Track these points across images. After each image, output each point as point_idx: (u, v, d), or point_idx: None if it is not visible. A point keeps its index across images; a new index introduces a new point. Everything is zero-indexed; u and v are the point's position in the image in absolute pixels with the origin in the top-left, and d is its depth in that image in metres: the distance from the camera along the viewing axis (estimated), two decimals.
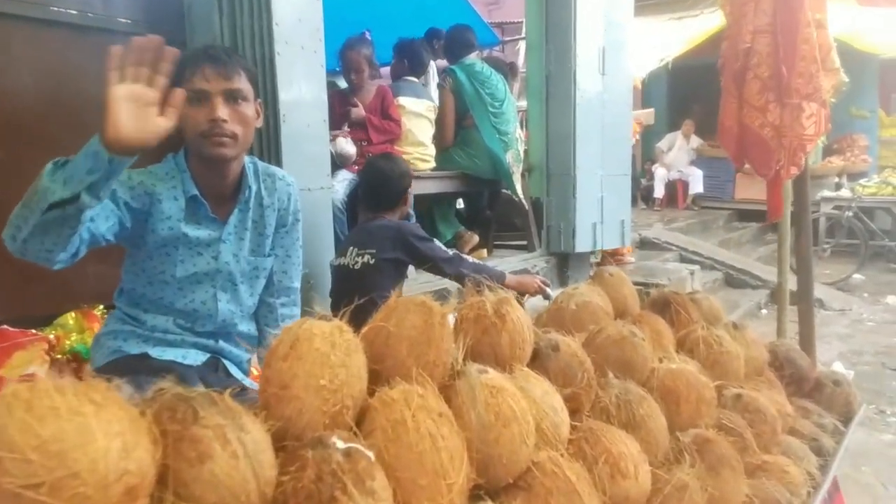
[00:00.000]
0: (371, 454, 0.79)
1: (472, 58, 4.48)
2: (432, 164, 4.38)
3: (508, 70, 5.29)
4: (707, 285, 7.14)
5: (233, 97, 1.85)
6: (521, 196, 4.64)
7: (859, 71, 10.98)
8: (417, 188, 4.36)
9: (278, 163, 2.73)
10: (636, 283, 5.17)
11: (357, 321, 2.54)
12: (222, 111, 1.82)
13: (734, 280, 7.39)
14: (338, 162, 3.99)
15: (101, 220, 1.69)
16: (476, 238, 4.72)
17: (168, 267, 1.91)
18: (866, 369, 5.36)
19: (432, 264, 2.79)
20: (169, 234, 1.87)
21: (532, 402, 1.00)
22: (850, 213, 8.26)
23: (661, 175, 10.29)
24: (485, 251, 4.78)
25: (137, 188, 1.82)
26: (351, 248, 2.75)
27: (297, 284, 2.19)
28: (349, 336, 0.96)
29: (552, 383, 1.14)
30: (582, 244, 5.05)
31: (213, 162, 1.90)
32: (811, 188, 9.85)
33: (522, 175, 5.03)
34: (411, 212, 4.02)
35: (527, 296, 2.98)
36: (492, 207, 5.20)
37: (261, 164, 2.09)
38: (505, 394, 0.94)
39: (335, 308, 2.85)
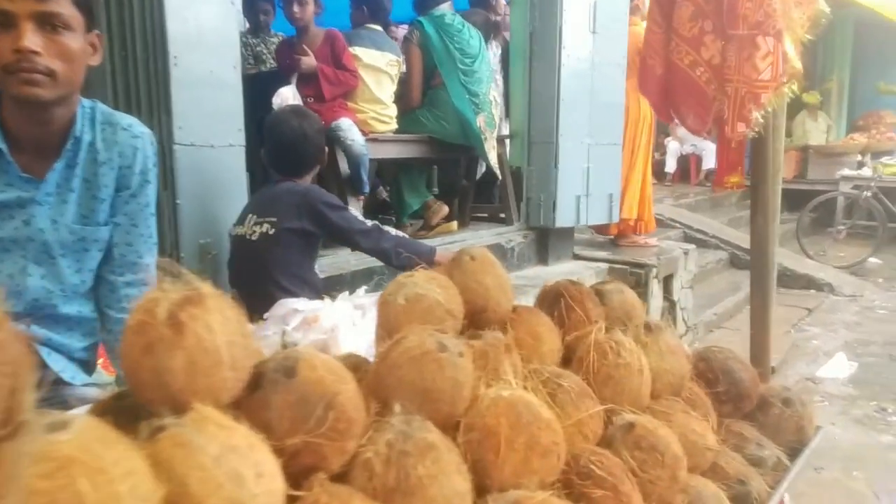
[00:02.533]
0: None
1: (444, 8, 3.95)
2: (393, 126, 3.90)
3: (492, 27, 4.76)
4: (710, 265, 6.60)
5: (48, 23, 1.44)
6: (494, 164, 4.15)
7: (890, 44, 10.15)
8: (377, 152, 3.91)
9: (167, 115, 2.30)
10: (615, 264, 4.65)
11: (255, 300, 2.12)
12: (31, 40, 1.41)
13: (740, 261, 6.82)
14: None
15: None
16: (445, 209, 4.26)
17: None
18: (872, 361, 4.83)
19: (346, 237, 2.37)
20: None
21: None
22: (869, 193, 7.58)
23: (673, 149, 9.67)
24: (454, 224, 4.33)
25: None
26: (250, 215, 2.33)
27: (149, 260, 1.77)
28: None
29: (276, 428, 0.72)
30: (563, 219, 4.55)
31: (23, 105, 1.50)
32: (831, 166, 9.16)
33: (501, 141, 4.54)
34: (364, 178, 3.58)
35: None
36: (468, 177, 4.73)
37: (102, 111, 1.67)
38: (71, 473, 0.52)
39: (233, 285, 2.46)
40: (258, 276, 2.27)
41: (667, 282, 4.77)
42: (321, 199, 2.31)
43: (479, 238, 4.34)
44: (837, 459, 3.47)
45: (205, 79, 2.41)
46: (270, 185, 2.44)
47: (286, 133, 2.36)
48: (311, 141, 2.39)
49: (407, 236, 2.52)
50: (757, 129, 1.55)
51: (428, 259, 2.50)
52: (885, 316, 5.93)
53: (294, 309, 1.76)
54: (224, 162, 2.52)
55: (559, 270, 4.50)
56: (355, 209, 3.67)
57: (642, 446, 1.08)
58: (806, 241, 7.78)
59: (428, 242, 4.15)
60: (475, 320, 1.14)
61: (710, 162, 9.53)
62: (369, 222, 2.41)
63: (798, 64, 1.53)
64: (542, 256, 4.66)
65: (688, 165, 9.89)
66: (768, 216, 1.76)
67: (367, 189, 3.72)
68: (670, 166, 9.71)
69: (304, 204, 2.29)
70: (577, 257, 4.85)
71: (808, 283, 6.66)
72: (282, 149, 2.39)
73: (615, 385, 1.16)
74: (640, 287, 4.52)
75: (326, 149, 2.48)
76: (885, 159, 8.51)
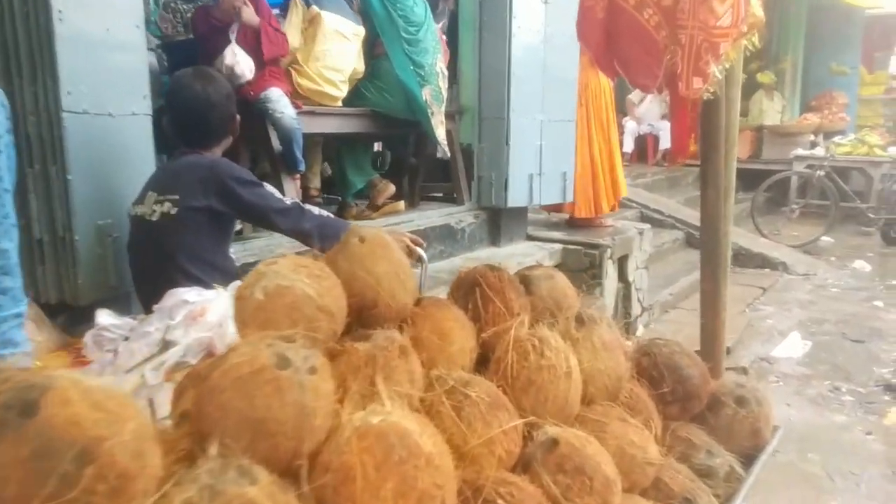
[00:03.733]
0: None
1: None
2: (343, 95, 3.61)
3: None
4: (666, 245, 6.48)
5: None
6: (443, 141, 3.89)
7: (843, 26, 10.13)
8: (316, 127, 3.62)
9: (52, 78, 1.98)
10: (569, 244, 4.46)
11: (159, 289, 1.83)
12: None
13: (696, 240, 6.71)
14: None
15: None
16: (392, 188, 4.00)
17: None
18: (825, 340, 4.75)
19: (261, 216, 2.09)
20: None
21: None
22: (822, 173, 7.54)
23: (630, 128, 9.52)
24: (402, 203, 4.06)
25: None
26: (150, 192, 2.03)
27: (6, 245, 1.48)
28: None
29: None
30: (516, 198, 4.32)
31: None
32: (785, 146, 9.17)
33: (451, 117, 4.28)
34: (297, 155, 3.29)
35: None
36: (418, 154, 4.46)
37: None
38: None
39: (134, 272, 2.16)
40: (160, 262, 1.99)
41: (622, 262, 4.60)
42: (230, 174, 2.03)
43: (427, 219, 4.09)
44: (793, 441, 3.36)
45: (99, 38, 2.10)
46: (173, 159, 2.15)
47: (189, 99, 2.06)
48: (218, 108, 2.09)
49: (332, 215, 2.25)
50: (713, 90, 1.33)
51: None
52: (837, 294, 5.89)
53: (183, 300, 1.50)
54: (126, 133, 2.21)
55: (511, 252, 4.29)
56: (290, 189, 3.39)
57: (566, 469, 0.86)
58: (761, 220, 7.73)
59: (373, 224, 3.91)
60: (365, 317, 0.91)
61: (666, 142, 9.42)
62: (289, 200, 2.14)
63: (760, 11, 1.31)
64: (494, 237, 4.44)
65: (645, 145, 9.77)
66: (720, 189, 1.55)
67: (302, 167, 3.42)
68: (628, 146, 9.56)
69: (211, 179, 2.00)
70: (530, 238, 4.64)
71: (763, 261, 6.60)
72: (184, 116, 2.09)
73: (537, 392, 0.93)
74: (595, 268, 4.34)
75: (238, 117, 2.18)
76: (837, 139, 8.50)
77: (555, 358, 0.95)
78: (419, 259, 2.34)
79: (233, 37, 3.16)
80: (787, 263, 6.52)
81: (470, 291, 1.08)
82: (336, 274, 0.88)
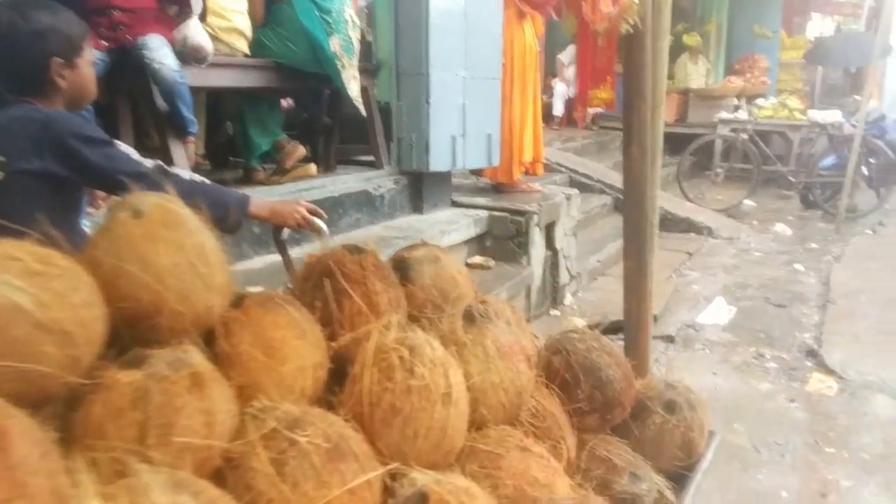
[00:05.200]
0: None
1: None
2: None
3: None
4: (594, 210, 6.34)
5: None
6: (356, 98, 3.54)
7: None
8: (214, 80, 3.19)
9: None
10: (495, 211, 4.22)
11: None
12: None
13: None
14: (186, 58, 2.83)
15: None
16: (301, 150, 3.62)
17: None
18: (749, 305, 4.73)
19: (112, 182, 1.72)
20: None
21: None
22: (745, 136, 7.57)
23: (560, 91, 9.32)
24: (313, 167, 3.70)
25: None
26: None
27: None
28: None
29: None
30: (438, 162, 4.02)
31: None
32: (710, 109, 9.18)
33: (368, 73, 3.92)
34: (185, 114, 2.89)
35: (286, 231, 1.97)
36: (332, 113, 4.09)
37: None
38: None
39: None
40: None
41: (549, 229, 4.41)
42: (71, 130, 1.64)
43: (342, 184, 3.75)
44: (718, 412, 3.26)
45: None
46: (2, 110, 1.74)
47: None
48: (21, 44, 1.67)
49: (207, 181, 1.90)
50: (633, 22, 1.08)
51: (237, 211, 1.91)
52: (760, 258, 5.92)
53: None
54: None
55: (435, 219, 4.02)
56: (180, 157, 2.98)
57: None
58: (686, 184, 7.72)
59: (281, 189, 3.55)
60: (142, 330, 0.61)
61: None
62: (149, 162, 1.77)
63: None
64: (417, 204, 4.14)
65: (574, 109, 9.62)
66: (646, 147, 1.31)
67: (194, 128, 3.01)
68: (558, 109, 9.39)
69: (45, 137, 1.61)
70: (455, 204, 4.38)
71: (689, 226, 6.58)
72: None
73: (404, 424, 0.66)
74: (522, 235, 4.13)
75: (60, 60, 1.75)
76: (759, 102, 8.56)
77: (429, 375, 0.68)
78: (318, 231, 2.04)
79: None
80: (712, 228, 6.52)
81: (320, 284, 0.79)
82: (95, 268, 0.58)
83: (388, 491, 0.64)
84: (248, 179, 3.57)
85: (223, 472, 0.56)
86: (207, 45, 2.83)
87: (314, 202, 3.35)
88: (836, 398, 3.47)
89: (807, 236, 6.64)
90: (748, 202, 7.56)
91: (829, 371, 3.71)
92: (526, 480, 0.74)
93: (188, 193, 1.79)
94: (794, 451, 2.99)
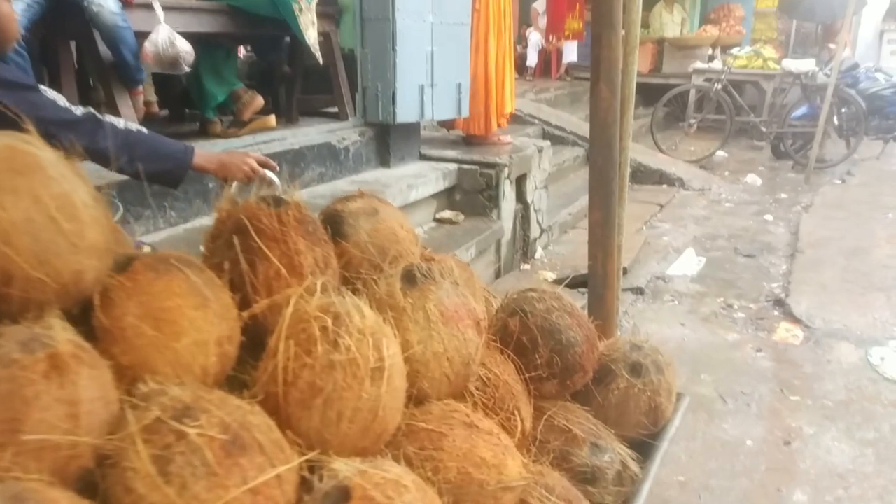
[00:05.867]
0: None
1: None
2: None
3: None
4: (566, 163, 6.23)
5: None
6: (314, 45, 3.34)
7: None
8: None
9: None
10: (464, 164, 4.09)
11: None
12: None
13: None
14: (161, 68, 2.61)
15: None
16: (259, 100, 3.42)
17: None
18: (719, 256, 4.71)
19: (42, 131, 1.56)
20: None
21: None
22: (719, 86, 7.46)
23: (534, 41, 9.10)
24: (272, 118, 3.52)
25: None
26: None
27: None
28: None
29: None
30: (405, 113, 3.85)
31: None
32: (685, 59, 9.03)
33: (330, 17, 3.71)
34: (130, 62, 2.68)
35: (233, 184, 1.83)
36: (293, 62, 3.87)
37: None
38: None
39: None
40: None
41: (520, 182, 4.29)
42: None
43: (304, 136, 3.57)
44: (686, 363, 3.26)
45: None
46: None
47: None
48: None
49: (145, 130, 1.74)
50: None
51: (180, 163, 1.77)
52: (730, 209, 5.89)
53: None
54: None
55: (402, 173, 3.87)
56: (127, 109, 2.78)
57: None
58: (660, 135, 7.63)
59: (238, 142, 3.37)
60: None
61: (571, 55, 9.10)
62: (79, 109, 1.61)
63: None
64: (383, 157, 3.98)
65: (549, 59, 9.42)
66: (615, 83, 1.18)
67: (142, 76, 2.81)
68: (532, 60, 9.18)
69: None
70: (423, 157, 4.23)
71: (661, 178, 6.51)
72: None
73: (325, 406, 0.56)
74: (492, 189, 4.01)
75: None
76: (734, 51, 8.43)
77: (357, 347, 0.58)
78: (269, 185, 1.91)
79: None
80: (684, 179, 6.46)
81: (231, 242, 0.68)
82: None
83: (306, 485, 0.54)
84: (204, 132, 3.38)
85: (96, 475, 0.46)
86: (184, 47, 2.64)
87: (273, 156, 3.18)
88: (801, 347, 3.48)
89: (777, 186, 6.63)
90: (720, 153, 7.51)
91: (795, 320, 3.71)
92: (471, 462, 0.64)
93: (124, 144, 1.65)
94: (759, 399, 3.00)
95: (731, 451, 2.64)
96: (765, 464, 2.55)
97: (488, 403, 0.74)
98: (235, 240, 0.64)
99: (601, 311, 1.18)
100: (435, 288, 0.70)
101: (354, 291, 0.66)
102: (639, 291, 4.01)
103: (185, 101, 3.85)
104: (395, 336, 0.63)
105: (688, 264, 4.46)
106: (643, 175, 6.42)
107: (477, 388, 0.74)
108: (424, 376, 0.67)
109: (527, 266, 4.28)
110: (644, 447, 0.87)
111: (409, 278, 0.70)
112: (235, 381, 0.61)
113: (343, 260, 0.72)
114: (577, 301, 3.66)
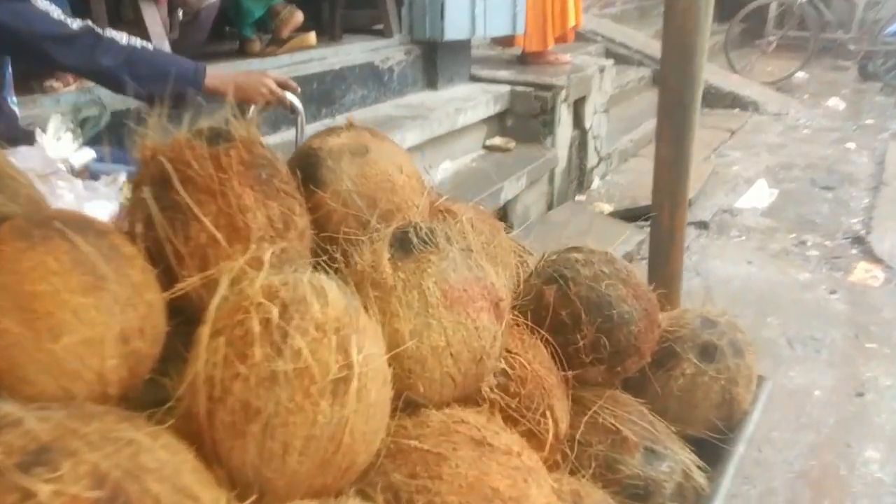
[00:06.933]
0: None
1: None
2: None
3: None
4: (630, 85, 5.75)
5: None
6: None
7: None
8: None
9: None
10: (517, 86, 3.74)
11: None
12: None
13: None
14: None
15: None
16: (299, 16, 3.16)
17: None
18: (793, 187, 4.29)
19: (28, 48, 1.40)
20: None
21: None
22: (805, 0, 6.69)
23: None
24: (312, 36, 3.27)
25: None
26: None
27: None
28: None
29: None
30: (454, 29, 3.52)
31: None
32: None
33: None
34: None
35: (252, 108, 1.64)
36: None
37: None
38: None
39: None
40: None
41: (578, 106, 3.95)
42: None
43: (344, 55, 3.32)
44: (751, 304, 3.00)
45: None
46: None
47: None
48: None
49: (151, 46, 1.56)
50: None
51: (192, 82, 1.58)
52: (808, 136, 5.36)
53: None
54: None
55: (450, 96, 3.59)
56: (153, 18, 2.58)
57: None
58: (734, 54, 6.96)
59: (276, 61, 3.16)
60: None
61: None
62: (75, 22, 1.43)
63: None
64: (430, 78, 3.69)
65: None
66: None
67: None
68: None
69: None
70: (474, 79, 3.92)
71: (733, 101, 5.97)
72: None
73: (264, 435, 0.39)
74: (547, 113, 3.70)
75: None
76: None
77: (312, 348, 0.38)
78: (292, 110, 1.71)
79: None
80: (759, 102, 5.90)
81: (155, 197, 0.48)
82: None
83: None
84: (242, 51, 3.18)
85: None
86: None
87: (309, 77, 2.95)
88: (881, 289, 3.16)
89: (862, 111, 5.98)
90: (801, 74, 6.81)
91: (876, 260, 3.36)
92: (481, 495, 0.46)
93: (125, 62, 1.47)
94: (831, 346, 2.74)
95: (797, 401, 2.43)
96: (834, 416, 2.34)
97: (511, 405, 0.55)
98: (147, 192, 0.45)
99: (664, 273, 0.95)
100: (437, 258, 0.49)
101: (333, 263, 0.47)
102: (703, 226, 3.69)
103: (222, 17, 3.62)
104: (378, 327, 0.44)
105: (758, 196, 4.08)
106: (713, 98, 5.89)
107: (496, 386, 0.55)
108: (420, 377, 0.49)
109: (582, 197, 4.00)
110: (713, 450, 0.67)
111: (403, 244, 0.50)
112: (153, 393, 0.44)
113: (318, 216, 0.52)
114: (636, 236, 3.35)
